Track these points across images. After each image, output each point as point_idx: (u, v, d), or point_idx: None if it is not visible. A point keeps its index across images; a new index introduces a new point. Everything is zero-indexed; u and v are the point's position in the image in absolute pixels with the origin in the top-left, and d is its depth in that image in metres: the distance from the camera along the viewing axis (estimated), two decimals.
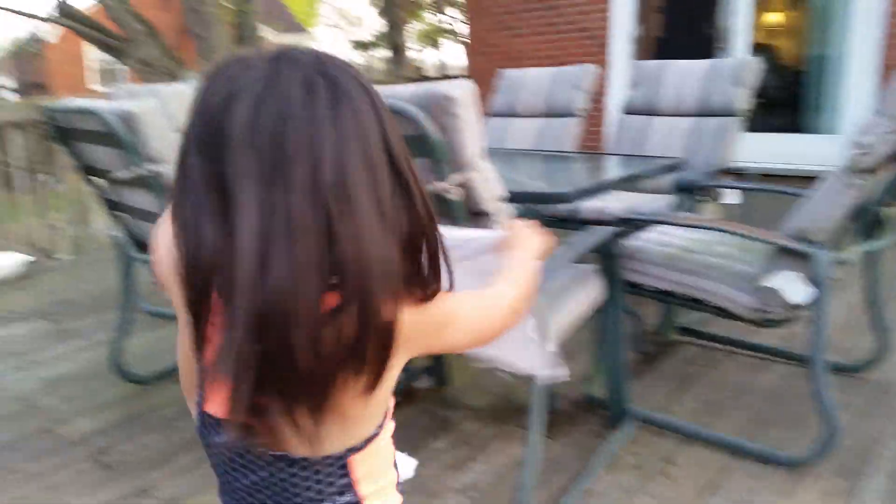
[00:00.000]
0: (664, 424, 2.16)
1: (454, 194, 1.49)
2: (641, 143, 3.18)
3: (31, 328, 3.24)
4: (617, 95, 5.40)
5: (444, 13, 18.30)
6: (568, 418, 2.21)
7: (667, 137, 3.12)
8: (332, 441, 0.73)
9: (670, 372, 2.54)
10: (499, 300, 0.87)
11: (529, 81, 3.64)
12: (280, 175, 0.62)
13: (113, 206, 2.59)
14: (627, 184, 2.43)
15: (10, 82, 23.45)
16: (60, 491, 1.94)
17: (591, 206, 2.93)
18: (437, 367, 2.47)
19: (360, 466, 0.77)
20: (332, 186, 0.62)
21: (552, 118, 3.50)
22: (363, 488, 0.77)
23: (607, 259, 2.04)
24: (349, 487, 0.76)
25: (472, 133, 1.50)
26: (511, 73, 3.75)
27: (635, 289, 2.26)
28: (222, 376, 0.63)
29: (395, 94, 1.55)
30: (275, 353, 0.62)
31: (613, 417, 2.16)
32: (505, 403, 2.35)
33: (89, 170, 2.75)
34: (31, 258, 4.23)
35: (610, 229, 2.04)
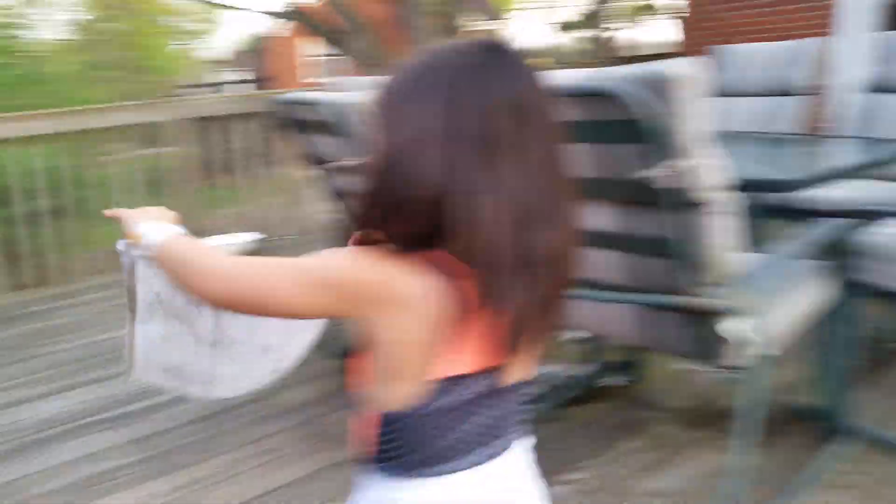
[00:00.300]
0: (889, 442, 1.91)
1: (671, 182, 1.39)
2: (884, 124, 2.82)
3: None
4: (850, 72, 4.85)
5: None
6: (776, 427, 2.00)
7: None
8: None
9: None
10: None
11: (751, 57, 3.37)
12: (543, 136, 0.76)
13: (339, 193, 2.75)
14: (868, 170, 2.16)
15: (243, 76, 25.99)
16: (274, 454, 2.12)
17: (821, 195, 2.65)
18: (630, 363, 2.36)
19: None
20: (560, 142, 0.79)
21: (776, 97, 3.21)
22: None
23: (838, 255, 1.83)
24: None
25: (697, 116, 1.39)
26: (730, 49, 3.49)
27: (867, 289, 2.01)
28: (508, 320, 0.73)
29: (608, 75, 1.48)
30: (555, 280, 0.77)
31: (829, 431, 1.95)
32: (704, 406, 2.20)
33: (313, 157, 2.94)
34: (257, 236, 4.62)
35: (843, 222, 1.83)
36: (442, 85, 0.74)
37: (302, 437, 2.19)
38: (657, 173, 1.39)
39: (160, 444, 2.23)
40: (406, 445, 0.80)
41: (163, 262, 0.91)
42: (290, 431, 2.24)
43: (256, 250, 4.46)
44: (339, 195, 2.76)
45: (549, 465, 1.94)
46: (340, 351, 2.74)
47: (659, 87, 1.37)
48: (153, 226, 0.96)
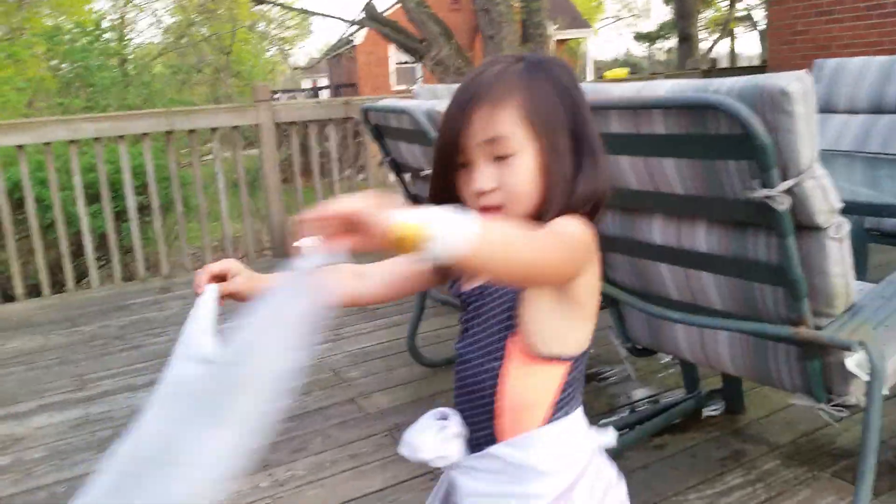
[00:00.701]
0: None
1: (782, 204, 1.33)
2: None
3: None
4: None
5: None
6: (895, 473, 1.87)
7: None
8: None
9: None
10: None
11: (852, 72, 3.22)
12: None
13: (416, 199, 2.77)
14: None
15: (332, 82, 26.53)
16: (360, 460, 2.12)
17: None
18: (728, 390, 2.25)
19: None
20: None
21: (882, 115, 3.06)
22: None
23: None
24: None
25: (808, 134, 1.32)
26: (829, 63, 3.35)
27: None
28: None
29: (711, 88, 1.42)
30: None
31: None
32: (812, 444, 2.06)
33: (396, 164, 2.97)
34: None
35: None
36: (573, 89, 0.90)
37: (387, 444, 2.19)
38: (771, 193, 1.32)
39: None
40: (576, 384, 0.92)
41: (478, 256, 0.70)
42: (377, 438, 2.24)
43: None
44: (418, 202, 2.77)
45: (647, 494, 1.86)
46: (427, 359, 2.76)
47: (774, 101, 1.31)
48: (439, 215, 0.69)
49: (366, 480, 2.01)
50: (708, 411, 2.23)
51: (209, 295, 0.94)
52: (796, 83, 1.30)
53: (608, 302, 1.94)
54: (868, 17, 5.64)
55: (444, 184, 0.91)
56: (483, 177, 0.87)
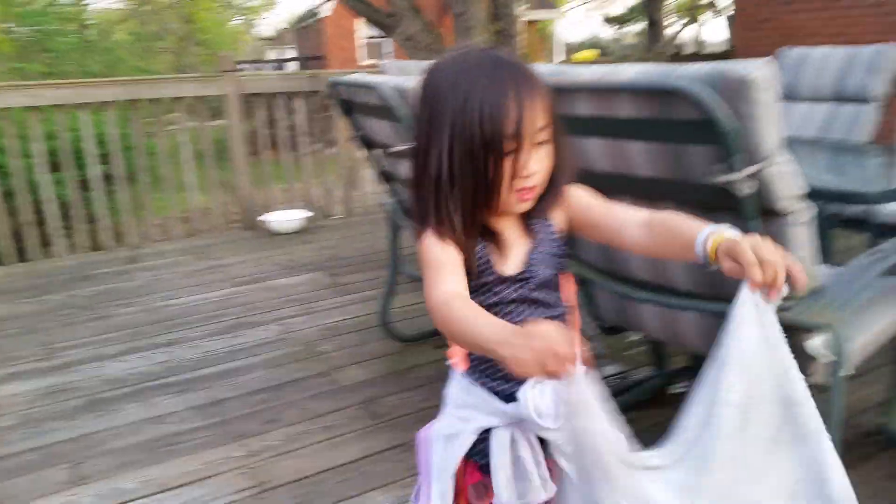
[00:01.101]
0: None
1: (746, 188, 1.38)
2: None
3: (311, 279, 3.62)
4: None
5: None
6: (857, 452, 1.91)
7: None
8: None
9: None
10: None
11: (816, 61, 3.30)
12: None
13: (386, 175, 2.78)
14: None
15: (298, 54, 26.07)
16: (334, 431, 2.15)
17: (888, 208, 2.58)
18: (696, 368, 2.29)
19: None
20: None
21: (842, 104, 3.15)
22: None
23: None
24: None
25: (772, 120, 1.37)
26: (793, 52, 3.43)
27: None
28: None
29: (676, 73, 1.45)
30: None
31: None
32: None
33: (366, 140, 2.97)
34: (311, 214, 4.71)
35: None
36: None
37: (361, 417, 2.23)
38: (736, 178, 1.37)
39: (221, 412, 2.29)
40: None
41: None
42: (350, 410, 2.27)
43: (304, 228, 4.54)
44: (388, 178, 2.78)
45: None
46: (399, 334, 2.78)
47: (738, 88, 1.34)
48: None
49: (340, 451, 2.04)
50: (675, 388, 2.28)
51: (588, 382, 0.94)
52: (760, 71, 1.33)
53: (577, 281, 1.99)
54: (832, 8, 5.76)
55: (484, 171, 0.95)
56: (532, 161, 0.97)
